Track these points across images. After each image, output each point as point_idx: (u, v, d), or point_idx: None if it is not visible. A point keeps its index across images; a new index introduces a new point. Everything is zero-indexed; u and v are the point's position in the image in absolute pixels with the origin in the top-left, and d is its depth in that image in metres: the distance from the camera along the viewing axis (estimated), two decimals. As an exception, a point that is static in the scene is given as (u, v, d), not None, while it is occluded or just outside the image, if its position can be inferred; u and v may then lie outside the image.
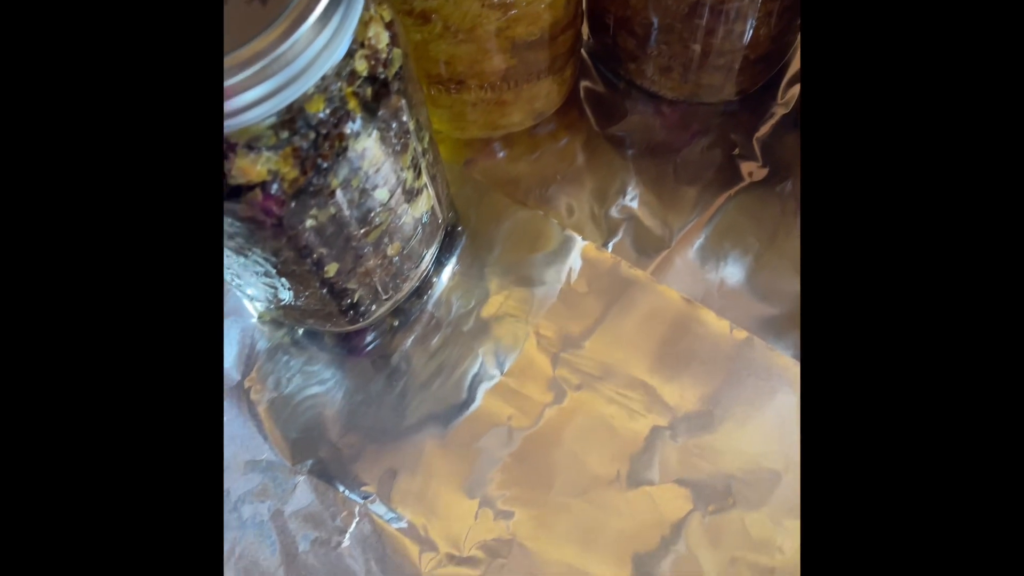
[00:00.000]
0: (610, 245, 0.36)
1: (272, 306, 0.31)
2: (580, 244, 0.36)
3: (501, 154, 0.39)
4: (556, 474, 0.32)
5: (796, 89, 0.38)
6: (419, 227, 0.31)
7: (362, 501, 0.32)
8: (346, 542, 0.31)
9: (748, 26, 0.32)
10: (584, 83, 0.39)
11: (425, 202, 0.30)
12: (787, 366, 0.33)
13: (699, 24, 0.31)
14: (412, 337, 0.35)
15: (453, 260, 0.36)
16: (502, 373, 0.34)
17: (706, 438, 0.32)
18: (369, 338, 0.35)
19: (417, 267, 0.33)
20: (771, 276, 0.35)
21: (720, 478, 0.31)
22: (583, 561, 0.30)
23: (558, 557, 0.31)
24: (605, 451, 0.32)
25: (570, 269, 0.36)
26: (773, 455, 0.32)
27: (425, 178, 0.29)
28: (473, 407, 0.33)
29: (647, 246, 0.36)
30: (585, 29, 0.38)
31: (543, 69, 0.33)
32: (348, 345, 0.35)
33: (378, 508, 0.31)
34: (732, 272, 0.35)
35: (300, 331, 0.35)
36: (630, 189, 0.37)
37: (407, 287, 0.34)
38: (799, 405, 0.32)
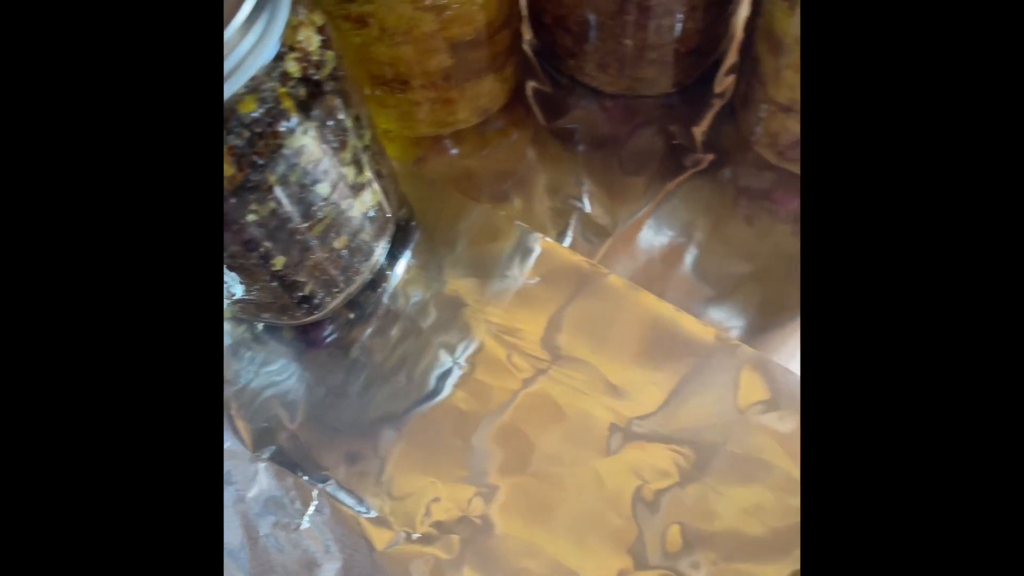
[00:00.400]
0: (561, 236, 0.38)
1: (228, 301, 0.32)
2: (533, 237, 0.37)
3: (453, 151, 0.40)
4: (509, 456, 0.33)
5: (731, 80, 0.39)
6: (366, 221, 0.32)
7: (320, 485, 0.33)
8: (305, 524, 0.32)
9: (676, 20, 0.33)
10: (529, 80, 0.41)
11: (371, 197, 0.32)
12: (728, 345, 0.34)
13: (629, 20, 0.33)
14: (370, 329, 0.36)
15: (407, 254, 0.38)
16: (459, 363, 0.35)
17: (652, 416, 0.34)
18: (327, 331, 0.36)
19: (368, 260, 0.34)
20: (715, 260, 0.37)
21: (665, 452, 0.33)
22: (534, 536, 0.32)
23: (510, 532, 0.32)
24: (556, 433, 0.34)
25: (524, 261, 0.37)
26: (714, 428, 0.33)
27: (369, 173, 0.31)
28: (430, 395, 0.35)
29: (597, 236, 0.37)
30: (529, 30, 0.39)
31: (484, 67, 0.35)
32: (307, 338, 0.36)
33: (336, 491, 0.33)
34: (678, 258, 0.37)
35: (260, 326, 0.36)
36: (579, 182, 0.39)
37: (360, 280, 0.35)
38: (737, 381, 0.34)
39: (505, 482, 0.33)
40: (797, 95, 0.31)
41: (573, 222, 0.38)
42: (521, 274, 0.37)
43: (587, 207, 0.38)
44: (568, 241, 0.38)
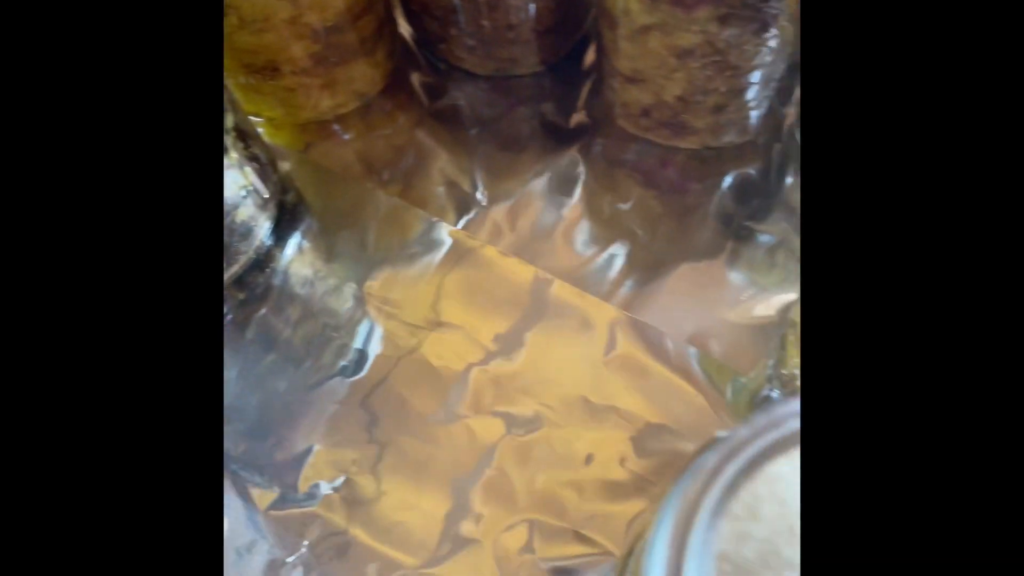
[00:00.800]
0: (446, 214, 0.40)
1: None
2: (419, 215, 0.39)
3: (343, 137, 0.42)
4: (384, 416, 0.35)
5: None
6: (240, 202, 0.34)
7: (208, 454, 0.35)
8: (193, 491, 0.34)
9: (527, 1, 0.35)
10: (410, 65, 0.43)
11: (241, 178, 0.34)
12: (590, 304, 0.37)
13: (482, 2, 0.35)
14: (264, 310, 0.38)
15: (297, 236, 0.39)
16: (338, 332, 0.37)
17: (522, 372, 0.36)
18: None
19: (247, 240, 0.36)
20: (582, 228, 0.39)
21: (533, 405, 0.35)
22: (411, 491, 0.34)
23: (388, 489, 0.34)
24: (432, 394, 0.35)
25: (415, 241, 0.39)
26: (579, 381, 0.35)
27: (236, 155, 0.33)
28: (330, 375, 0.36)
29: (478, 213, 0.40)
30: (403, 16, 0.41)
31: (353, 52, 0.37)
32: (200, 319, 0.38)
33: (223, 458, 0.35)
34: (554, 229, 0.39)
35: (153, 309, 0.38)
36: (462, 162, 0.41)
37: (243, 259, 0.37)
38: (601, 337, 0.36)
39: (384, 443, 0.35)
40: (636, 65, 0.33)
41: (456, 201, 0.40)
42: (411, 253, 0.39)
43: (469, 186, 0.40)
44: (460, 221, 0.40)
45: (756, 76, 0.32)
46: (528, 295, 0.37)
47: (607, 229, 0.39)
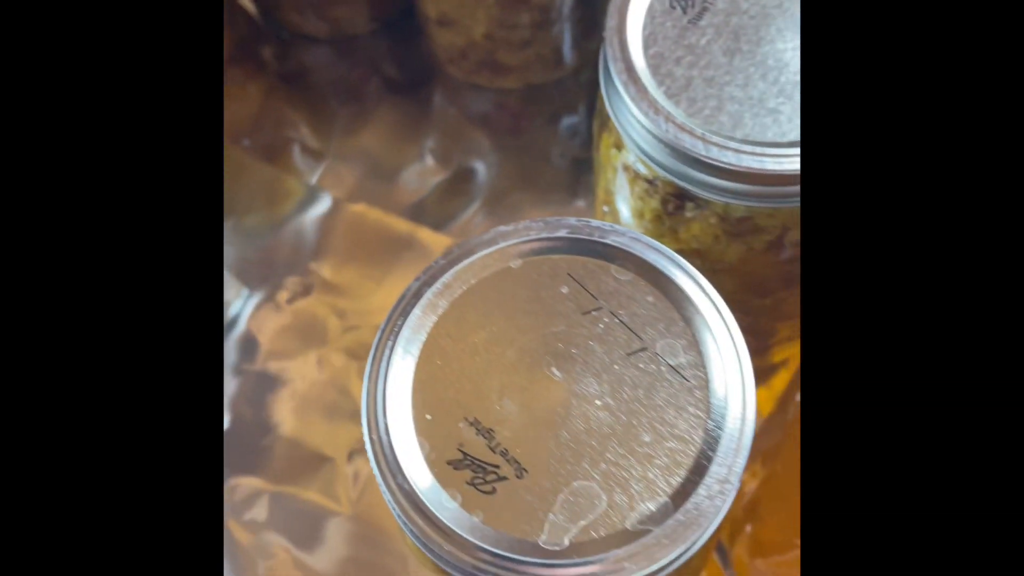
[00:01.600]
0: (307, 174, 0.42)
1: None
2: (279, 176, 0.42)
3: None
4: (240, 354, 0.37)
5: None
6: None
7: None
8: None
9: (341, -41, 0.38)
10: (257, 38, 0.45)
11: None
12: (426, 238, 0.39)
13: (297, -37, 0.37)
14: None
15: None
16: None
17: (366, 305, 0.38)
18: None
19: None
20: (417, 170, 0.42)
21: (375, 329, 0.37)
22: (268, 417, 0.36)
23: (244, 416, 0.36)
24: (283, 330, 0.38)
25: (272, 199, 0.42)
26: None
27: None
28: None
29: (323, 165, 0.42)
30: None
31: (187, 21, 0.39)
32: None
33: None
34: (399, 176, 0.42)
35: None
36: (311, 123, 0.43)
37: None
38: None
39: (238, 377, 0.37)
40: (441, 7, 0.36)
41: (311, 159, 0.43)
42: (275, 214, 0.41)
43: (321, 144, 0.43)
44: (313, 177, 0.42)
45: (551, 8, 0.35)
46: (381, 239, 0.40)
47: (453, 172, 0.42)
